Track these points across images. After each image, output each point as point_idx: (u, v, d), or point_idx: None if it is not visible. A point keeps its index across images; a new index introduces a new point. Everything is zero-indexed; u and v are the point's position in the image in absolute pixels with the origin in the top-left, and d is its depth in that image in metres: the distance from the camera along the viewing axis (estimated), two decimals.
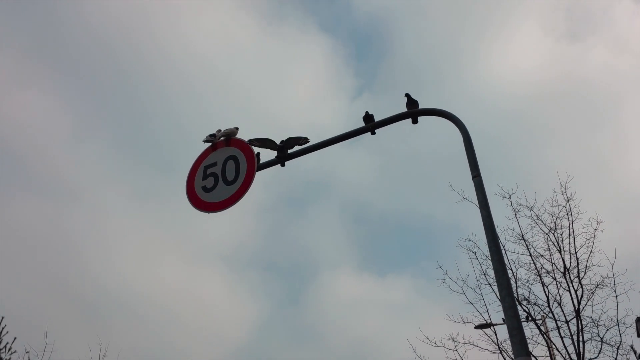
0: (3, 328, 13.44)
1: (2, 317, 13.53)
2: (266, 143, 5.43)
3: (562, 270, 11.73)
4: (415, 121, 5.01)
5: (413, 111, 4.97)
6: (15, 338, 13.49)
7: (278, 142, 5.40)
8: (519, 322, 3.38)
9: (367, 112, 5.20)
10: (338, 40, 61.96)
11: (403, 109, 5.02)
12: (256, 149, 5.39)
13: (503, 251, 11.39)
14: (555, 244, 12.01)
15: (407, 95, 4.99)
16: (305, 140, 5.35)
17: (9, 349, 13.32)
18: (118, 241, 38.98)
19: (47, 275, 32.27)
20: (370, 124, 5.17)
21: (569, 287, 11.62)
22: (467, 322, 12.53)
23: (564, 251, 11.86)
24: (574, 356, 11.13)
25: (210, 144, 5.55)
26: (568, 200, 12.17)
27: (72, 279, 33.57)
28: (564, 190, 12.28)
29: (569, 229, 11.96)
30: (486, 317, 12.24)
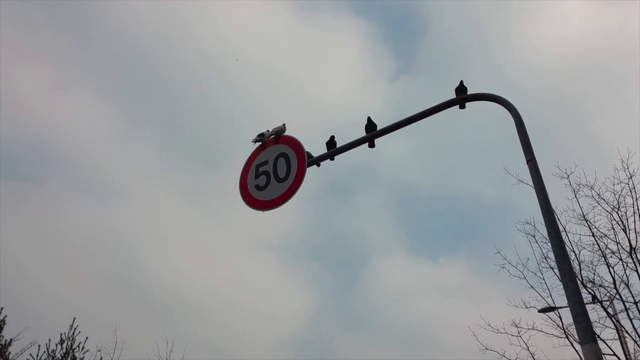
0: (75, 328, 14.11)
1: (74, 318, 14.21)
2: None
3: (628, 249, 11.27)
4: (462, 107, 4.93)
5: (462, 97, 4.88)
6: (87, 337, 14.16)
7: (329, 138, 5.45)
8: (584, 307, 3.28)
9: (369, 119, 5.28)
10: (373, 23, 61.52)
11: (444, 89, 4.94)
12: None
13: (564, 234, 11.08)
14: (620, 222, 11.54)
15: (461, 82, 4.90)
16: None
17: (82, 348, 13.98)
18: (171, 237, 40.34)
19: (110, 275, 33.67)
20: (371, 133, 5.22)
21: (636, 267, 11.14)
22: (530, 307, 12.29)
23: (629, 230, 11.38)
24: None
25: (260, 143, 5.65)
26: (631, 177, 11.65)
27: (133, 277, 34.97)
28: (626, 167, 11.76)
29: (634, 207, 11.46)
30: (549, 301, 11.98)
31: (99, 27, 50.29)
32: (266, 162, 5.51)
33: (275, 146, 5.56)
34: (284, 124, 5.66)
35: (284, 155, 5.44)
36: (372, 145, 5.34)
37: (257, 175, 5.49)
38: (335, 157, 5.46)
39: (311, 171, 5.39)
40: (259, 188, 5.40)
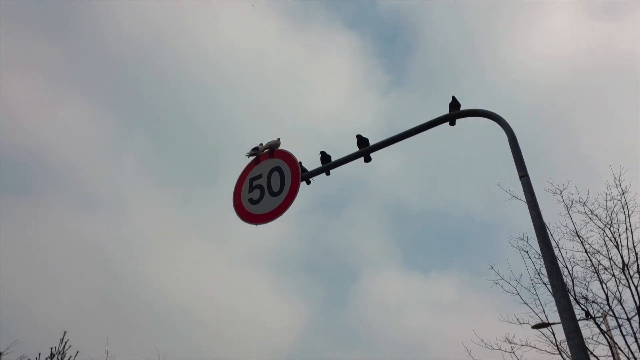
0: (66, 342, 13.95)
1: (65, 332, 14.05)
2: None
3: (621, 266, 11.30)
4: (452, 123, 4.97)
5: (455, 113, 4.91)
6: (77, 352, 13.99)
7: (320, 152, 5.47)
8: (576, 324, 3.28)
9: (358, 136, 5.29)
10: (365, 37, 61.96)
11: (435, 102, 5.00)
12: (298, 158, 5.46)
13: (556, 249, 11.11)
14: (612, 239, 11.58)
15: (453, 97, 4.93)
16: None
17: None
18: (163, 250, 40.14)
19: (101, 288, 33.40)
20: (365, 148, 5.25)
21: (629, 284, 11.16)
22: (523, 323, 12.27)
23: (622, 246, 11.42)
24: (637, 354, 10.69)
25: (254, 157, 5.66)
26: (623, 194, 11.74)
27: (124, 290, 34.69)
28: (619, 183, 11.85)
29: (626, 223, 11.53)
30: (543, 317, 11.96)
31: (90, 37, 50.43)
32: (260, 176, 5.51)
33: (269, 160, 5.57)
34: (278, 139, 5.68)
35: (278, 169, 5.44)
36: (368, 159, 5.35)
37: (251, 189, 5.49)
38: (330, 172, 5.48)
39: (304, 185, 5.41)
40: (252, 202, 5.39)
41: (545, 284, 11.70)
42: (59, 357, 13.65)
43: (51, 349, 13.74)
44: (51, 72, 49.83)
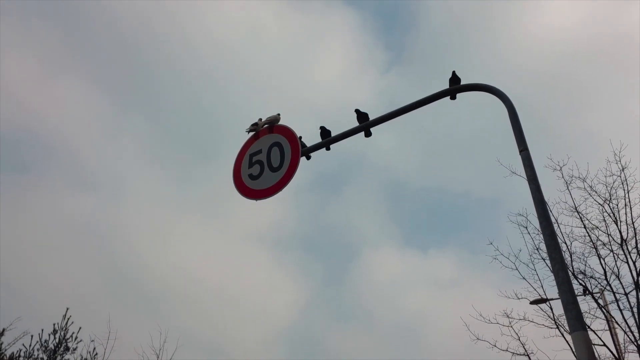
0: (69, 319, 14.09)
1: (67, 308, 14.18)
2: None
3: (619, 241, 11.35)
4: (453, 97, 4.93)
5: (455, 87, 4.88)
6: (80, 328, 14.13)
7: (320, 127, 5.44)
8: (574, 296, 3.31)
9: (357, 111, 5.27)
10: (365, 13, 61.20)
11: (436, 80, 4.95)
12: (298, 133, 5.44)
13: (555, 225, 11.15)
14: (611, 214, 11.62)
15: (453, 72, 4.89)
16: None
17: (75, 338, 13.95)
18: (163, 228, 40.27)
19: (103, 266, 33.61)
20: (365, 123, 5.23)
21: (627, 259, 11.23)
22: (521, 298, 12.39)
23: (621, 222, 11.46)
24: (634, 329, 10.82)
25: (254, 132, 5.63)
26: (623, 170, 11.73)
27: (126, 268, 34.94)
28: (618, 159, 11.83)
29: (625, 199, 11.55)
30: (541, 292, 12.09)
31: (87, 15, 49.94)
32: (260, 152, 5.50)
33: (269, 135, 5.55)
34: (278, 114, 5.64)
35: (277, 144, 5.42)
36: (368, 134, 5.32)
37: (250, 165, 5.48)
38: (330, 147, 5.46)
39: (303, 160, 5.40)
40: (252, 177, 5.39)
41: (544, 259, 11.79)
42: (62, 333, 13.80)
43: (54, 325, 13.90)
44: (49, 52, 49.42)
